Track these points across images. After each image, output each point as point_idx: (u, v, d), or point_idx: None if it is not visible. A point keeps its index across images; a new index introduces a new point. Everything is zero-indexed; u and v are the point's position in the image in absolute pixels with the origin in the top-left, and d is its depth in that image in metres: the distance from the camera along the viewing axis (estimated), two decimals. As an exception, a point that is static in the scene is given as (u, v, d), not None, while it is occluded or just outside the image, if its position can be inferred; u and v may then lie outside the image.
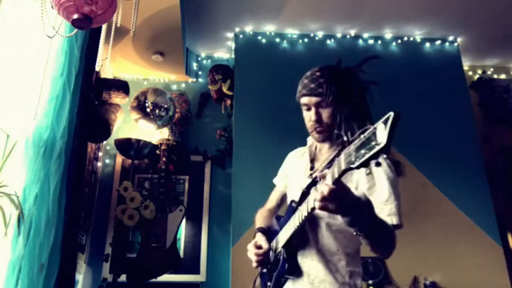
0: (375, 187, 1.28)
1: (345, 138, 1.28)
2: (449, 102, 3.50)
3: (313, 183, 1.28)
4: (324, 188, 0.97)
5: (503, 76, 4.16)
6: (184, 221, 3.35)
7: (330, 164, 1.27)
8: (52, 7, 1.50)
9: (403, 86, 3.53)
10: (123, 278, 2.98)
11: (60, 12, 1.47)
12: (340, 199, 1.00)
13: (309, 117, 1.41)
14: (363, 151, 0.83)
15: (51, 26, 1.60)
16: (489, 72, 4.16)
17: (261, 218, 1.62)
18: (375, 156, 0.81)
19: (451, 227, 3.06)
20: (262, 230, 1.51)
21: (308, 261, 1.35)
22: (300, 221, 1.24)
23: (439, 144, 3.32)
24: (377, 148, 0.81)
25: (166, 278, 3.08)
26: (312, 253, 1.35)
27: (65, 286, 1.95)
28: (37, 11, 1.57)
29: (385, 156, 0.82)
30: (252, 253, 1.42)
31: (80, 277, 2.99)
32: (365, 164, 0.84)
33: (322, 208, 1.01)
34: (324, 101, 1.34)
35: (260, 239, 1.45)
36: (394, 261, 2.94)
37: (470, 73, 4.12)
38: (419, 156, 3.27)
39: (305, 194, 1.29)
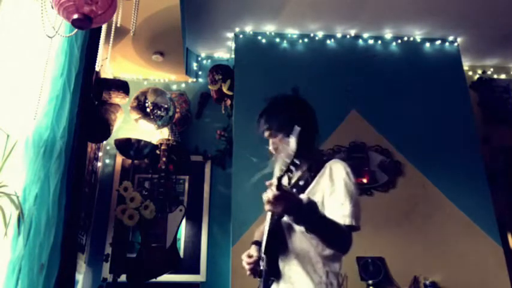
0: (335, 192, 1.46)
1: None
2: (449, 102, 3.50)
3: None
4: (268, 193, 1.24)
5: (503, 76, 4.16)
6: (184, 221, 3.35)
7: (297, 182, 1.54)
8: (52, 7, 1.50)
9: (403, 86, 3.53)
10: (123, 278, 2.98)
11: (60, 12, 1.47)
12: (283, 201, 1.24)
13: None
14: (286, 159, 1.17)
15: (51, 26, 1.60)
16: (489, 72, 4.16)
17: (257, 232, 1.78)
18: (292, 162, 1.16)
19: (451, 227, 3.06)
20: (256, 243, 1.66)
21: (288, 264, 1.48)
22: (269, 227, 1.43)
23: (439, 144, 3.32)
24: (291, 155, 1.15)
25: (166, 278, 3.08)
26: (291, 257, 1.48)
27: (65, 286, 1.95)
28: (37, 11, 1.57)
29: (291, 161, 1.16)
30: (244, 262, 1.59)
31: (80, 277, 2.99)
32: (288, 169, 1.18)
33: (270, 210, 1.26)
34: (272, 132, 1.60)
35: (252, 249, 1.62)
36: (394, 261, 2.94)
37: (470, 73, 4.12)
38: (419, 156, 3.28)
39: None
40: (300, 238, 1.47)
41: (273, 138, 1.62)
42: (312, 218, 1.30)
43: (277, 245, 1.50)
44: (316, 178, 1.53)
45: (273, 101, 1.71)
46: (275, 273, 1.48)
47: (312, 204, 1.29)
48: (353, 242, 1.42)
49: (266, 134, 1.64)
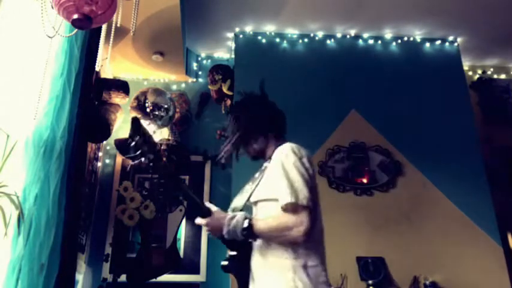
0: (275, 176, 1.43)
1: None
2: (449, 102, 3.50)
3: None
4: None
5: (503, 76, 4.15)
6: (184, 221, 3.35)
7: (254, 177, 1.66)
8: (52, 7, 1.50)
9: (403, 86, 3.53)
10: (123, 278, 2.98)
11: (60, 12, 1.47)
12: (212, 227, 1.45)
13: None
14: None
15: (51, 26, 1.60)
16: (489, 72, 4.16)
17: None
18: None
19: (451, 227, 3.06)
20: None
21: (254, 261, 1.46)
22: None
23: (439, 144, 3.32)
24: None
25: (166, 278, 3.08)
26: (257, 254, 1.46)
27: (65, 286, 1.95)
28: (37, 11, 1.57)
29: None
30: None
31: (80, 277, 2.99)
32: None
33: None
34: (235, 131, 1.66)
35: None
36: (394, 261, 2.94)
37: (470, 73, 4.12)
38: (419, 156, 3.27)
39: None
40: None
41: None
42: (244, 232, 1.36)
43: (251, 245, 1.50)
44: (268, 166, 1.54)
45: (237, 103, 1.82)
46: (245, 271, 1.47)
47: (236, 222, 1.37)
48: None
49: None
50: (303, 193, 1.33)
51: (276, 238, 1.37)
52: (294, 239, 1.32)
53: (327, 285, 1.38)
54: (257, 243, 1.47)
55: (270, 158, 1.57)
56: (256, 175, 1.61)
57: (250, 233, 1.36)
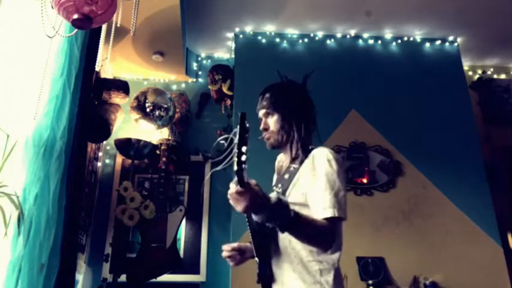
0: (316, 183, 1.38)
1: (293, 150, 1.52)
2: (449, 102, 3.50)
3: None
4: (231, 188, 1.14)
5: (503, 76, 4.15)
6: (184, 221, 3.35)
7: (283, 175, 1.53)
8: (52, 7, 1.50)
9: (403, 86, 3.53)
10: (123, 278, 2.98)
11: (60, 12, 1.47)
12: (246, 199, 1.12)
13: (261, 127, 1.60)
14: (234, 149, 1.06)
15: (51, 26, 1.60)
16: (489, 72, 4.16)
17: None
18: (238, 155, 1.06)
19: (451, 227, 3.06)
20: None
21: (279, 268, 1.42)
22: (250, 227, 1.42)
23: (439, 144, 3.32)
24: (235, 149, 1.05)
25: (166, 278, 3.08)
26: (282, 259, 1.42)
27: (65, 286, 1.95)
28: (37, 11, 1.57)
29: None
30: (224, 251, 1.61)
31: (80, 277, 2.99)
32: (239, 165, 1.06)
33: (234, 206, 1.15)
34: (269, 111, 1.56)
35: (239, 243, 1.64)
36: (394, 261, 2.94)
37: (470, 73, 4.12)
38: (419, 156, 3.28)
39: None
40: (290, 238, 1.37)
41: (267, 118, 1.58)
42: (282, 219, 1.19)
43: (268, 246, 1.46)
44: (300, 169, 1.46)
45: (282, 82, 1.68)
46: (269, 278, 1.42)
47: (280, 205, 1.18)
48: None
49: (261, 112, 1.59)
50: (342, 205, 1.35)
51: (308, 238, 1.31)
52: (322, 246, 1.34)
53: None
54: (283, 246, 1.42)
55: (296, 158, 1.50)
56: (286, 176, 1.51)
57: (291, 219, 1.21)
